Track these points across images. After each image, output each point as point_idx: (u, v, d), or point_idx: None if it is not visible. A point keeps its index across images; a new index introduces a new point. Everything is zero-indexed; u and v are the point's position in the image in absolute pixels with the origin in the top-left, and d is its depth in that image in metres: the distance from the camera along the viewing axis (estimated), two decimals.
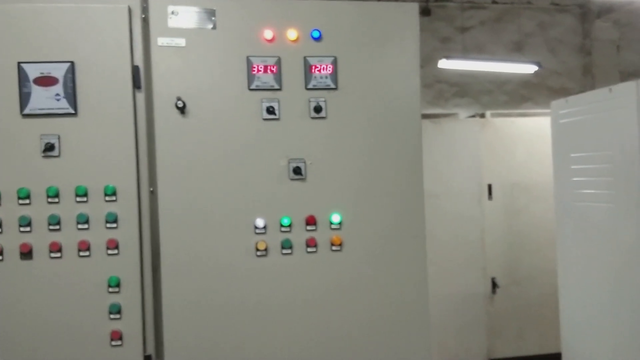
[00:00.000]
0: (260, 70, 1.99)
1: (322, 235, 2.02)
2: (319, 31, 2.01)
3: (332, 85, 2.03)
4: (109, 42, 1.94)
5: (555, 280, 4.50)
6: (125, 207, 1.94)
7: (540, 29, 6.74)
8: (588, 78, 6.82)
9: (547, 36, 6.75)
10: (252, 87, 1.99)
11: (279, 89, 2.00)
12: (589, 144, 2.60)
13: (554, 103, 2.91)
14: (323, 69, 2.01)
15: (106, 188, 1.92)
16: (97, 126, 1.93)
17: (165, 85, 1.96)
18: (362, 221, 2.05)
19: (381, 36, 2.06)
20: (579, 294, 2.74)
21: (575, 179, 2.71)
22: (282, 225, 2.00)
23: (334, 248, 2.03)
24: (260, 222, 1.98)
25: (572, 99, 2.78)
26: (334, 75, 2.03)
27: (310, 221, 2.01)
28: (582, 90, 6.85)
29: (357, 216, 2.05)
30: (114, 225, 1.93)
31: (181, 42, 1.96)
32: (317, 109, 2.01)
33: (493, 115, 4.75)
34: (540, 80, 6.67)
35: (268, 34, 1.99)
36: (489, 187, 4.61)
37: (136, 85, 1.96)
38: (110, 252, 1.92)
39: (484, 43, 6.53)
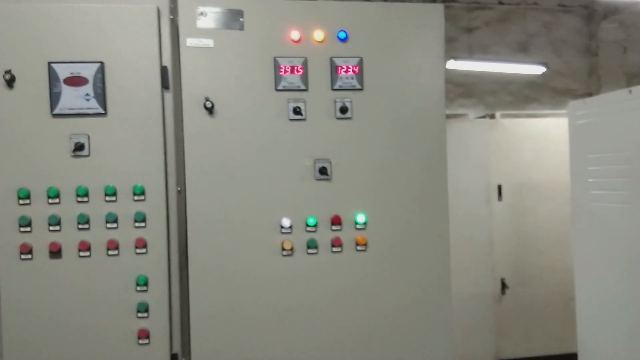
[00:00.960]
0: (287, 71, 2.02)
1: (347, 235, 2.06)
2: (345, 32, 2.05)
3: (358, 86, 2.06)
4: (137, 42, 1.96)
5: (564, 281, 4.57)
6: (153, 207, 1.96)
7: (545, 29, 6.78)
8: (593, 79, 6.86)
9: (552, 37, 6.78)
10: (279, 87, 2.02)
11: (305, 90, 2.03)
12: (606, 145, 2.63)
13: (572, 104, 2.95)
14: (349, 69, 2.05)
15: (134, 187, 1.95)
16: (126, 126, 1.96)
17: (194, 86, 1.99)
18: (387, 221, 2.08)
19: (406, 37, 2.09)
20: (595, 294, 2.77)
21: (591, 179, 2.75)
22: (307, 225, 2.03)
23: (358, 248, 2.06)
24: (286, 222, 2.01)
25: (589, 100, 2.82)
26: (360, 76, 2.06)
27: (335, 221, 2.05)
28: (588, 91, 6.90)
29: (381, 216, 2.08)
30: (142, 224, 1.95)
31: (209, 42, 1.99)
32: (343, 110, 2.04)
33: (502, 116, 4.79)
34: (545, 81, 6.71)
35: (295, 34, 2.02)
36: (499, 187, 4.65)
37: (164, 85, 1.99)
38: (138, 251, 1.95)
39: (489, 43, 6.57)
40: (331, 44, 2.05)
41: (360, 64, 2.06)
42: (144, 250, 1.95)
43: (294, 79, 2.03)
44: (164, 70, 1.98)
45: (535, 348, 4.65)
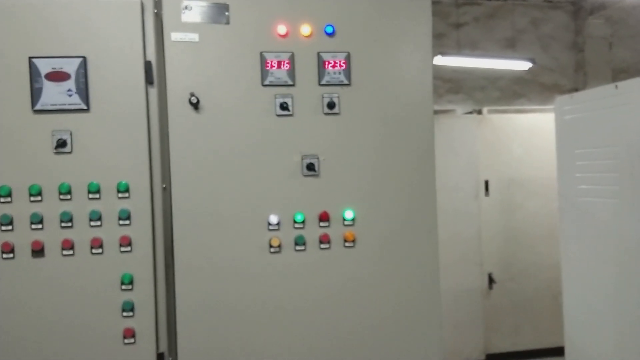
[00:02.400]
0: (274, 66, 1.99)
1: (335, 232, 2.03)
2: (333, 26, 2.02)
3: (346, 81, 2.03)
4: (121, 37, 1.92)
5: (552, 276, 4.58)
6: (138, 204, 1.93)
7: (532, 25, 6.80)
8: (580, 75, 6.89)
9: (539, 33, 6.81)
10: (266, 82, 1.99)
11: (293, 85, 2.00)
12: (594, 140, 2.63)
13: (559, 99, 2.94)
14: (336, 64, 2.02)
15: (119, 184, 1.91)
16: (110, 122, 1.92)
17: (179, 81, 1.95)
18: (375, 217, 2.06)
19: (394, 32, 2.07)
20: (582, 290, 2.77)
21: (579, 175, 2.74)
22: (295, 222, 2.01)
23: (347, 244, 2.04)
24: (273, 219, 1.99)
25: (577, 95, 2.82)
26: (347, 71, 2.03)
27: (324, 217, 2.02)
28: (575, 87, 6.93)
29: (370, 212, 2.06)
30: (127, 222, 1.92)
31: (194, 37, 1.95)
32: (331, 105, 2.01)
33: (490, 111, 4.79)
34: (532, 76, 6.73)
35: (281, 29, 1.99)
36: (486, 183, 4.65)
37: (149, 80, 1.95)
38: (123, 249, 1.91)
39: (477, 39, 6.57)
40: (318, 39, 2.02)
41: (347, 59, 2.03)
42: (128, 249, 1.92)
43: (281, 74, 1.99)
44: (148, 65, 1.95)
45: (524, 342, 4.68)
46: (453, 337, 4.44)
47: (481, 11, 6.59)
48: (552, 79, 6.87)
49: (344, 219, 2.04)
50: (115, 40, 1.92)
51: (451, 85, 6.53)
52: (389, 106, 2.07)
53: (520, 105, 6.44)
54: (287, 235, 2.00)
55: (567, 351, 2.96)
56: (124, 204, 1.92)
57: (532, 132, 4.71)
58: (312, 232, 2.02)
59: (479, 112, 4.78)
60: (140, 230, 1.93)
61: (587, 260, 2.72)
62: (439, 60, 5.32)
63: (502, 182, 4.70)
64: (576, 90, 6.90)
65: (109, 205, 1.91)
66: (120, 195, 1.92)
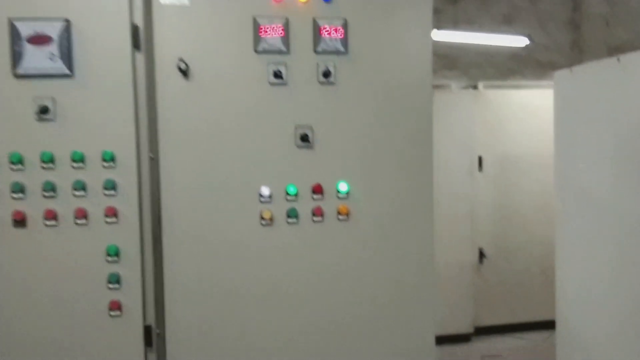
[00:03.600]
0: (267, 32, 1.87)
1: (328, 205, 1.94)
2: None
3: (342, 49, 1.92)
4: (108, 1, 1.80)
5: (543, 252, 4.53)
6: (125, 174, 1.83)
7: (530, 2, 6.64)
8: (576, 52, 6.76)
9: (536, 9, 6.65)
10: (259, 49, 1.87)
11: (287, 52, 1.89)
12: (593, 116, 2.53)
13: (558, 74, 2.84)
14: (333, 31, 1.90)
15: (104, 154, 1.81)
16: (95, 88, 1.81)
17: (167, 47, 1.83)
18: (370, 191, 1.97)
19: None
20: (577, 268, 2.71)
21: (578, 151, 2.66)
22: (288, 194, 1.91)
23: (340, 217, 1.95)
24: (265, 191, 1.89)
25: (577, 69, 2.71)
26: (344, 39, 1.92)
27: (317, 190, 1.93)
28: (571, 64, 6.78)
29: (364, 186, 1.96)
30: (113, 192, 1.82)
31: (185, 0, 1.83)
32: (326, 74, 1.90)
33: (486, 87, 4.68)
34: (528, 53, 6.59)
35: None
36: (480, 159, 4.56)
37: (136, 45, 1.83)
38: (108, 220, 1.82)
39: (474, 15, 6.41)
40: (314, 4, 1.90)
41: (345, 26, 1.91)
42: (114, 220, 1.82)
43: (275, 41, 1.88)
44: (135, 29, 1.83)
45: (513, 316, 4.64)
46: (443, 310, 4.39)
47: None
48: (548, 56, 6.72)
49: (338, 192, 1.94)
50: (100, 2, 1.80)
51: (446, 61, 6.37)
52: (387, 78, 1.96)
53: (516, 81, 6.32)
54: (280, 208, 1.91)
55: (558, 327, 2.91)
56: (110, 174, 1.82)
57: (528, 108, 4.60)
58: (305, 205, 1.93)
59: (475, 87, 4.67)
60: (126, 202, 1.83)
61: (584, 238, 2.65)
62: (435, 35, 5.17)
63: (497, 159, 4.61)
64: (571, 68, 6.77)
65: (94, 175, 1.81)
66: (105, 164, 1.81)
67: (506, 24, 6.53)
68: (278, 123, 1.90)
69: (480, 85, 4.63)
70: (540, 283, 4.50)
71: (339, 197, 1.94)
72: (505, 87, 4.84)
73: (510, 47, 6.32)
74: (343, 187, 1.94)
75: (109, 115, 1.82)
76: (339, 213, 1.94)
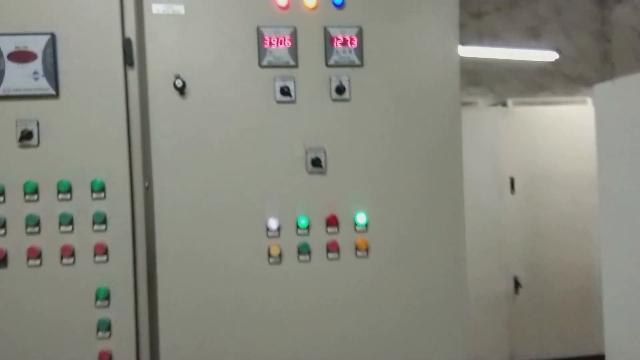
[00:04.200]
0: (273, 43, 1.66)
1: (345, 238, 1.70)
2: None
3: (357, 61, 1.70)
4: (96, 10, 1.61)
5: (582, 278, 4.23)
6: (116, 205, 1.62)
7: (556, 14, 6.39)
8: (607, 65, 6.46)
9: (563, 22, 6.40)
10: (264, 63, 1.66)
11: (295, 66, 1.68)
12: (638, 131, 2.27)
13: (598, 87, 2.58)
14: (346, 41, 1.69)
15: (93, 183, 1.61)
16: (83, 110, 1.61)
17: (162, 62, 1.63)
18: (392, 221, 1.73)
19: (414, 2, 1.73)
20: (625, 293, 2.42)
21: (622, 169, 2.38)
22: (298, 227, 1.68)
23: (359, 253, 1.71)
24: (273, 223, 1.66)
25: (620, 81, 2.46)
26: (359, 49, 1.70)
27: (332, 221, 1.69)
28: (601, 78, 6.50)
29: (386, 215, 1.72)
30: (103, 226, 1.61)
31: (180, 9, 1.63)
32: (340, 90, 1.68)
33: (515, 103, 4.43)
34: (557, 67, 6.33)
35: (282, 0, 1.66)
36: (511, 180, 4.30)
37: (128, 61, 1.64)
38: (98, 258, 1.61)
39: (499, 29, 6.18)
40: (325, 11, 1.69)
41: (359, 34, 1.70)
42: (104, 258, 1.61)
43: (281, 53, 1.67)
44: (127, 43, 1.64)
45: (552, 349, 4.32)
46: (477, 343, 4.08)
47: (502, 1, 6.20)
48: (577, 70, 6.44)
49: (356, 224, 1.71)
50: (89, 15, 1.61)
51: (471, 77, 6.13)
52: (409, 90, 1.73)
53: (547, 97, 6.06)
54: (289, 243, 1.68)
55: (608, 356, 2.61)
56: (100, 206, 1.61)
57: (561, 125, 4.34)
58: (318, 239, 1.69)
59: (504, 104, 4.42)
60: (118, 237, 1.62)
61: (632, 261, 2.37)
62: (459, 51, 4.96)
63: (528, 178, 4.34)
64: (603, 82, 6.48)
65: (82, 207, 1.61)
66: (94, 195, 1.61)
67: (532, 37, 6.28)
68: (286, 146, 1.68)
69: (510, 101, 4.38)
70: (580, 314, 4.19)
71: (356, 230, 1.70)
72: (536, 103, 4.58)
73: (538, 61, 6.07)
74: (361, 218, 1.70)
75: (98, 139, 1.62)
76: (357, 248, 1.70)
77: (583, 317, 4.08)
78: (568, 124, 4.31)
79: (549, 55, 5.53)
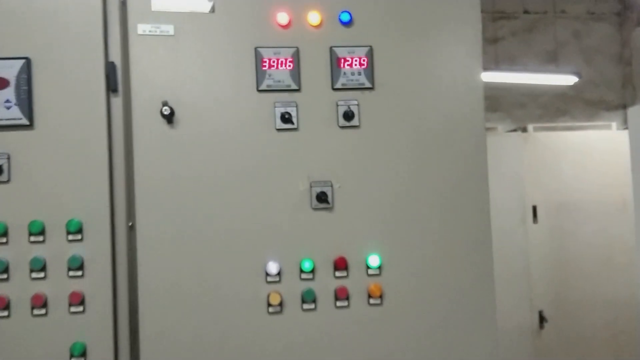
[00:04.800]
0: (273, 65, 1.46)
1: (355, 284, 1.47)
2: (349, 13, 1.48)
3: (367, 84, 1.49)
4: (76, 31, 1.43)
5: (609, 312, 3.94)
6: (95, 249, 1.41)
7: (575, 38, 6.18)
8: (629, 89, 6.21)
9: (582, 46, 6.18)
10: (262, 87, 1.46)
11: (297, 90, 1.47)
12: None
13: (632, 110, 2.35)
14: (355, 62, 1.48)
15: (69, 223, 1.40)
16: (59, 141, 1.42)
17: (148, 87, 1.44)
18: (410, 264, 1.49)
19: (431, 19, 1.52)
20: None
21: None
22: (302, 271, 1.45)
23: (372, 301, 1.47)
24: (273, 267, 1.44)
25: None
26: (369, 71, 1.49)
27: (340, 264, 1.46)
28: (622, 102, 6.24)
29: (402, 257, 1.49)
30: (79, 273, 1.40)
31: (169, 29, 1.44)
32: (348, 115, 1.47)
33: (536, 129, 4.20)
34: (576, 92, 6.09)
35: (282, 17, 1.47)
36: (534, 208, 4.05)
37: (111, 87, 1.45)
38: (74, 309, 1.39)
39: (516, 54, 5.97)
40: (331, 29, 1.49)
41: (369, 54, 1.49)
42: (80, 308, 1.39)
43: (282, 76, 1.47)
44: (110, 67, 1.45)
45: None
46: None
47: (519, 25, 6.00)
48: (598, 94, 6.19)
49: (368, 267, 1.47)
50: (68, 36, 1.43)
51: (488, 103, 5.90)
52: (426, 117, 1.51)
53: (565, 122, 5.81)
54: (292, 290, 1.45)
55: None
56: (76, 249, 1.40)
57: (584, 151, 4.10)
58: (325, 285, 1.46)
59: (524, 129, 4.19)
60: (96, 284, 1.40)
61: None
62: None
63: (552, 207, 4.09)
64: (624, 106, 6.23)
65: (57, 250, 1.40)
66: (70, 237, 1.40)
67: (550, 61, 6.06)
68: (288, 179, 1.46)
69: (530, 127, 4.15)
70: (611, 350, 3.87)
71: (369, 274, 1.47)
72: (557, 128, 4.35)
73: (557, 85, 5.84)
74: (374, 260, 1.46)
75: (76, 174, 1.42)
76: (369, 295, 1.46)
77: (615, 353, 3.77)
78: (592, 149, 4.07)
79: (569, 80, 5.32)
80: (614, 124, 4.32)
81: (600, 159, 4.02)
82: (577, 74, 5.22)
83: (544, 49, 6.05)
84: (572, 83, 5.53)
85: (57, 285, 1.39)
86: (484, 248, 1.50)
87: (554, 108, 6.12)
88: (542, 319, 4.01)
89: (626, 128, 4.53)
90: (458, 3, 1.52)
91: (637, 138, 2.31)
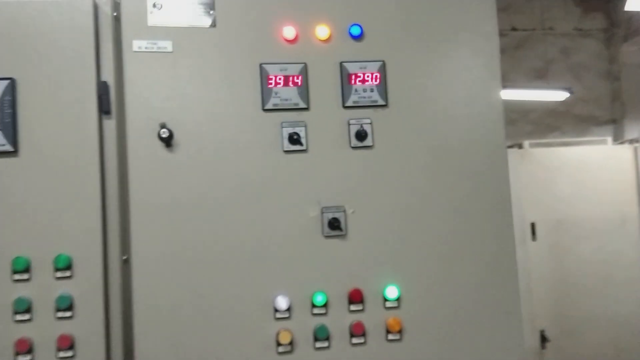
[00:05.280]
0: (279, 83, 1.34)
1: (373, 318, 1.34)
2: (360, 26, 1.37)
3: (380, 101, 1.37)
4: (65, 49, 1.31)
5: (612, 330, 3.84)
6: (86, 287, 1.27)
7: (563, 55, 6.18)
8: (617, 105, 6.20)
9: (571, 62, 6.18)
10: (268, 106, 1.34)
11: (306, 108, 1.35)
12: None
13: None
14: (367, 78, 1.37)
15: (57, 259, 1.26)
16: (47, 169, 1.28)
17: (145, 108, 1.31)
18: (430, 294, 1.36)
19: (446, 31, 1.42)
20: None
21: None
22: (314, 305, 1.32)
23: (390, 336, 1.34)
24: (282, 302, 1.30)
25: None
26: (383, 87, 1.38)
27: (355, 297, 1.33)
28: (612, 118, 6.22)
29: (422, 287, 1.36)
30: (69, 314, 1.25)
31: (167, 45, 1.32)
32: (361, 135, 1.35)
33: (532, 145, 4.12)
34: (566, 108, 6.08)
35: (289, 31, 1.35)
36: (532, 226, 3.95)
37: (104, 108, 1.32)
38: (62, 354, 1.24)
39: (505, 71, 5.91)
40: (340, 43, 1.37)
41: (382, 69, 1.38)
42: (70, 354, 1.25)
43: (290, 94, 1.35)
44: (102, 87, 1.32)
45: None
46: None
47: (507, 42, 5.98)
48: (588, 110, 6.18)
49: (385, 299, 1.34)
50: (57, 54, 1.30)
51: None
52: (442, 135, 1.40)
53: (555, 138, 5.76)
54: (303, 327, 1.31)
55: None
56: (65, 287, 1.26)
57: (579, 167, 4.02)
58: (340, 320, 1.32)
59: (520, 145, 4.11)
60: (88, 326, 1.26)
61: None
62: None
63: (550, 224, 4.00)
64: (614, 121, 6.22)
65: (43, 289, 1.26)
66: (59, 274, 1.26)
67: (540, 78, 6.04)
68: (297, 205, 1.34)
69: (526, 143, 4.06)
70: None
71: (386, 307, 1.34)
72: (553, 144, 4.27)
73: (546, 102, 5.82)
74: (392, 292, 1.33)
75: (66, 204, 1.28)
76: (388, 330, 1.33)
77: None
78: (588, 165, 4.00)
79: (560, 95, 5.28)
80: (609, 139, 4.26)
81: (597, 174, 3.95)
82: (568, 89, 5.20)
83: (532, 66, 6.03)
84: (563, 99, 5.50)
85: (44, 329, 1.25)
86: (510, 275, 1.38)
87: (545, 124, 6.08)
88: (543, 338, 3.89)
89: (622, 142, 4.47)
90: (474, 14, 1.42)
91: None
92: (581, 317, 3.96)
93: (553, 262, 3.98)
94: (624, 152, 4.04)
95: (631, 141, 4.21)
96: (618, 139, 5.52)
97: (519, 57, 5.99)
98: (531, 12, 6.06)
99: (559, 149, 4.19)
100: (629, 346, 3.90)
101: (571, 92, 5.25)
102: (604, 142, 4.28)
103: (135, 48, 1.31)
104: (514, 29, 6.04)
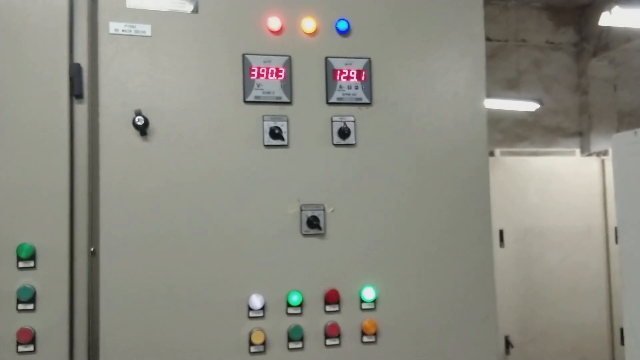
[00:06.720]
0: (262, 75, 1.30)
1: (348, 320, 1.30)
2: (347, 21, 1.34)
3: (365, 99, 1.35)
4: (36, 28, 1.23)
5: (576, 337, 3.90)
6: (50, 278, 1.20)
7: (534, 67, 6.30)
8: (585, 117, 6.35)
9: (541, 74, 6.30)
10: (250, 98, 1.29)
11: (289, 103, 1.31)
12: None
13: (617, 136, 2.27)
14: (352, 75, 1.34)
15: (20, 248, 1.18)
16: (12, 152, 1.21)
17: (119, 94, 1.25)
18: (407, 297, 1.34)
19: (434, 30, 1.40)
20: None
21: None
22: (289, 305, 1.28)
23: (365, 338, 1.31)
24: (256, 301, 1.26)
25: None
26: (367, 85, 1.35)
27: (332, 298, 1.30)
28: (579, 130, 6.37)
29: (399, 290, 1.34)
30: (30, 306, 1.18)
31: (145, 29, 1.26)
32: (344, 133, 1.32)
33: (503, 153, 4.17)
34: (535, 119, 6.20)
35: (274, 23, 1.31)
36: (500, 232, 3.99)
37: (75, 92, 1.25)
38: (22, 348, 1.17)
39: None
40: (327, 38, 1.34)
41: (368, 67, 1.35)
42: (30, 348, 1.17)
43: (273, 87, 1.31)
44: (75, 69, 1.25)
45: None
46: None
47: None
48: (556, 121, 6.32)
49: (362, 301, 1.31)
50: (27, 33, 1.23)
51: None
52: (426, 136, 1.38)
53: (524, 148, 5.86)
54: (277, 327, 1.27)
55: None
56: (27, 278, 1.19)
57: (548, 176, 4.08)
58: (315, 321, 1.29)
59: (491, 153, 4.15)
60: (50, 320, 1.19)
61: None
62: None
63: (518, 232, 4.04)
64: (580, 133, 6.36)
65: (4, 280, 1.18)
66: (21, 264, 1.19)
67: (511, 89, 6.14)
68: (276, 201, 1.30)
69: (497, 151, 4.11)
70: None
71: (362, 308, 1.31)
72: (523, 153, 4.33)
73: (516, 112, 5.91)
74: (369, 293, 1.30)
75: (30, 192, 1.21)
76: (363, 332, 1.30)
77: None
78: (556, 175, 4.06)
79: (530, 106, 5.37)
80: (577, 151, 4.35)
81: (565, 185, 4.02)
82: (539, 100, 5.28)
83: (505, 76, 6.13)
84: (533, 109, 5.60)
85: (3, 321, 1.17)
86: (487, 281, 1.37)
87: (514, 134, 6.19)
88: (508, 344, 3.92)
89: (589, 155, 4.57)
90: (462, 16, 1.40)
91: (620, 165, 2.25)
92: (546, 324, 4.01)
93: (520, 269, 4.02)
94: (592, 164, 4.12)
95: (598, 153, 4.30)
96: (585, 151, 5.65)
97: (491, 66, 6.08)
98: (506, 22, 6.16)
99: (528, 158, 4.24)
100: (592, 354, 3.97)
101: (541, 104, 5.35)
102: (572, 153, 4.36)
103: (111, 30, 1.25)
104: (487, 39, 6.11)
